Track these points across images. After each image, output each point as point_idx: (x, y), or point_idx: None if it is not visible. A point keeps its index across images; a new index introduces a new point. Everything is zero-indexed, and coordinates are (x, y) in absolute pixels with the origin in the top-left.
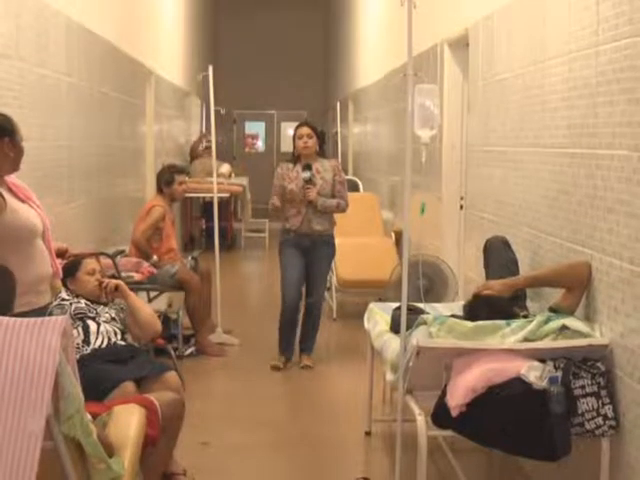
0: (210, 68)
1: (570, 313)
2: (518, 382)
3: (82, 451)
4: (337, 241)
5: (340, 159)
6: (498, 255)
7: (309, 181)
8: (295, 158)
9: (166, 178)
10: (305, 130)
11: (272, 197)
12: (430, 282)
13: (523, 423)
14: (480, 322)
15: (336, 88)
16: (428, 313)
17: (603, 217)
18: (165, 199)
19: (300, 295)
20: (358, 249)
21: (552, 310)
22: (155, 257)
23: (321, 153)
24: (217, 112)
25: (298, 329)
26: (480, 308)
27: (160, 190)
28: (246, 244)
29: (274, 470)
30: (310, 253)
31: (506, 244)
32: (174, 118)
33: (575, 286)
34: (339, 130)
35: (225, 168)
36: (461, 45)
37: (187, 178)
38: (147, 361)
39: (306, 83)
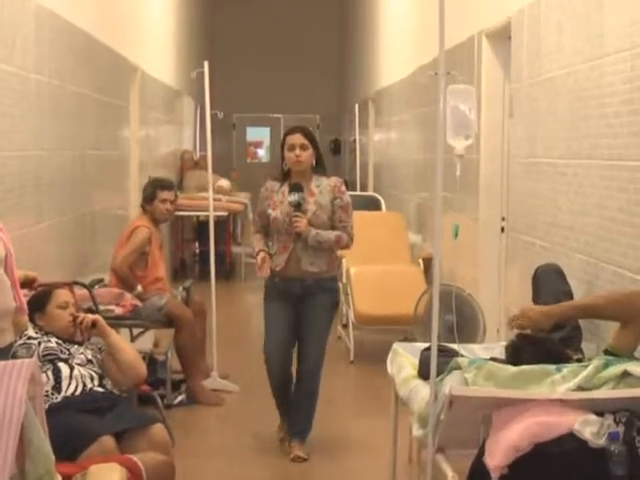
0: (205, 64)
1: (629, 354)
2: (571, 439)
3: None
4: (354, 269)
5: (359, 172)
6: (549, 286)
7: (297, 206)
8: (284, 175)
9: (148, 193)
10: (298, 139)
11: (253, 232)
12: (462, 319)
13: None
14: (525, 367)
15: (354, 88)
16: (463, 356)
17: None
18: (150, 219)
19: (290, 359)
20: (379, 279)
21: (607, 353)
22: (140, 287)
23: (319, 169)
24: (214, 116)
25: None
26: (525, 350)
27: (144, 209)
28: (247, 272)
29: None
30: (301, 303)
31: (559, 273)
32: (163, 122)
33: (634, 320)
34: (357, 137)
35: (224, 183)
36: (502, 37)
37: (177, 194)
38: (129, 411)
39: (318, 82)
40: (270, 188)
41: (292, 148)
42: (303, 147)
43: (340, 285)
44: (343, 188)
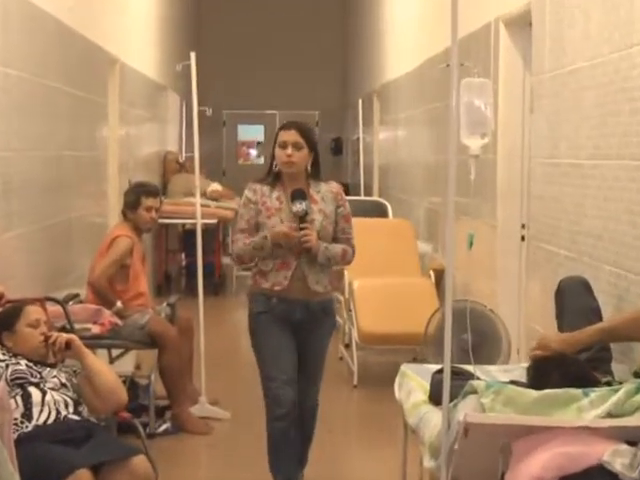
0: (192, 56)
1: None
2: (600, 471)
3: None
4: (357, 283)
5: (362, 174)
6: (575, 302)
7: (304, 217)
8: (273, 177)
9: (131, 200)
10: (291, 135)
11: (235, 241)
12: (479, 338)
13: None
14: (548, 391)
15: (357, 81)
16: (479, 378)
17: None
18: (132, 228)
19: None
20: (385, 293)
21: (638, 375)
22: (119, 303)
23: (315, 174)
24: (201, 113)
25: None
26: (548, 372)
27: (125, 215)
28: (239, 286)
29: None
30: (304, 330)
31: (586, 287)
32: (146, 120)
33: None
34: (361, 136)
35: (216, 186)
36: (522, 24)
37: (163, 200)
38: (108, 442)
39: (318, 75)
40: (259, 191)
41: (284, 146)
42: (297, 146)
43: (342, 300)
44: (344, 195)
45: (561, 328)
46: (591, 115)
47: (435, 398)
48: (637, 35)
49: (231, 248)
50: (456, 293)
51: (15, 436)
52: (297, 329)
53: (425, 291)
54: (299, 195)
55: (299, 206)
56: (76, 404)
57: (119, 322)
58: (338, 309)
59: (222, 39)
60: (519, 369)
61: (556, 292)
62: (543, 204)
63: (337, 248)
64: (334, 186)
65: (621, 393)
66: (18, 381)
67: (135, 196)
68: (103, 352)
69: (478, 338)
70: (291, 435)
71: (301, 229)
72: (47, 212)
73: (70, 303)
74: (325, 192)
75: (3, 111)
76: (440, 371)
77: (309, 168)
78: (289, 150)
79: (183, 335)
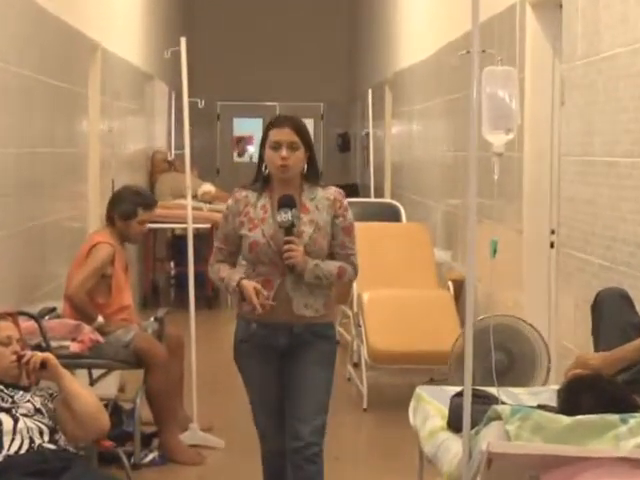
0: (183, 41)
1: None
2: None
3: None
4: (367, 295)
5: (372, 173)
6: (614, 317)
7: (289, 228)
8: (262, 182)
9: (126, 209)
10: (285, 134)
11: (213, 257)
12: (509, 357)
13: None
14: (582, 417)
15: (367, 70)
16: (504, 403)
17: None
18: (115, 234)
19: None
20: (398, 306)
21: None
22: (101, 318)
23: (312, 177)
24: (193, 104)
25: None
26: (582, 395)
27: (111, 221)
28: (234, 298)
29: None
30: (290, 358)
31: (625, 300)
32: (131, 113)
33: None
34: (371, 131)
35: (208, 188)
36: (551, 6)
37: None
38: (87, 473)
39: (323, 62)
40: (243, 201)
41: (276, 146)
42: (292, 146)
43: (350, 314)
44: (345, 202)
45: (597, 346)
46: (629, 107)
47: (455, 424)
48: None
49: (210, 262)
50: (477, 306)
51: None
52: (283, 357)
53: (443, 304)
54: (286, 203)
55: (284, 216)
56: (52, 432)
57: (101, 339)
58: (345, 325)
59: (216, 22)
60: (548, 392)
61: (592, 305)
62: (575, 207)
63: (331, 266)
64: (332, 192)
65: None
66: None
67: (132, 206)
68: (83, 373)
69: (509, 357)
70: (288, 473)
71: (285, 243)
72: (19, 216)
73: (46, 318)
74: (320, 199)
75: None
76: (460, 394)
77: (304, 170)
78: (283, 152)
79: (172, 354)
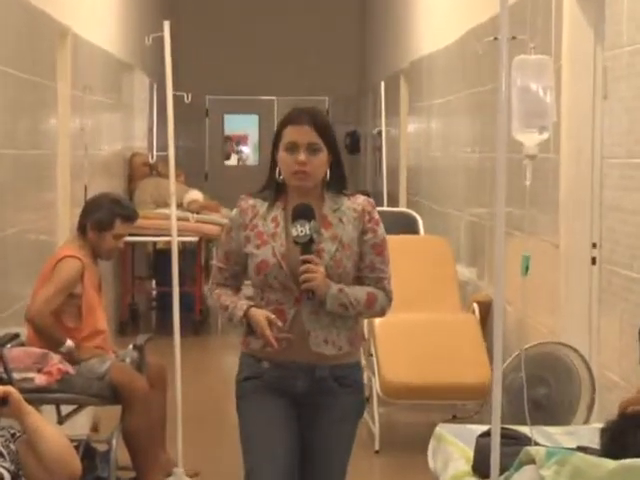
0: (166, 25)
1: None
2: None
3: None
4: (380, 319)
5: (385, 178)
6: None
7: (307, 246)
8: (275, 189)
9: (102, 219)
10: (305, 133)
11: (212, 279)
12: (548, 390)
13: None
14: (629, 461)
15: (379, 59)
16: (538, 443)
17: None
18: (86, 248)
19: None
20: (415, 332)
21: None
22: (69, 342)
23: (336, 184)
24: (178, 99)
25: None
26: (630, 435)
27: (83, 231)
28: (225, 323)
29: None
30: (310, 409)
31: None
32: (106, 108)
33: None
34: (384, 129)
35: (195, 195)
36: None
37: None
38: None
39: (329, 51)
40: (251, 211)
41: (293, 148)
42: (313, 148)
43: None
44: (376, 215)
45: None
46: None
47: (481, 469)
48: None
49: (207, 285)
50: (507, 333)
51: None
52: (300, 405)
53: (467, 330)
54: (303, 214)
55: (300, 229)
56: (14, 477)
57: (71, 370)
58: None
59: (204, 5)
60: (589, 431)
61: None
62: (620, 217)
63: (359, 291)
64: (361, 202)
65: None
66: None
67: (109, 216)
68: (50, 409)
69: (548, 390)
70: None
71: (302, 263)
72: None
73: (7, 346)
74: (346, 210)
75: None
76: (487, 433)
77: (327, 176)
78: (302, 155)
79: (154, 387)
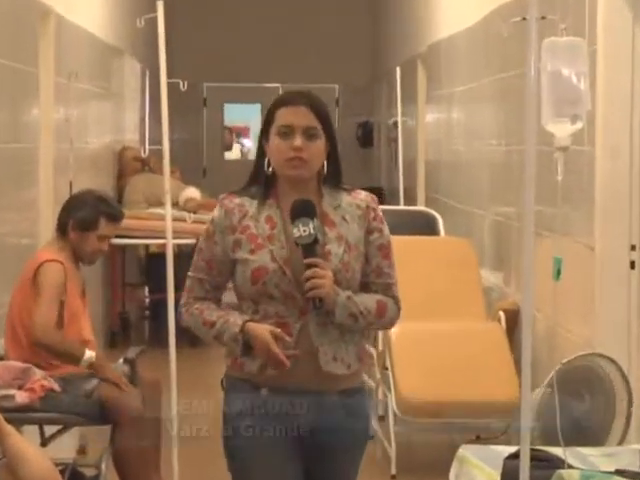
0: (160, 6)
1: None
2: None
3: None
4: (396, 328)
5: (402, 174)
6: None
7: (312, 247)
8: (265, 183)
9: (85, 217)
10: (301, 115)
11: (186, 294)
12: (583, 406)
13: None
14: None
15: (395, 43)
16: (572, 467)
17: None
18: (67, 250)
19: None
20: (435, 343)
21: None
22: (89, 353)
23: (333, 176)
24: (173, 86)
25: None
26: None
27: (63, 231)
28: (210, 341)
29: None
30: (316, 447)
31: None
32: (94, 97)
33: None
34: (400, 120)
35: (192, 193)
36: None
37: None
38: None
39: (338, 34)
40: (238, 211)
41: (287, 132)
42: (310, 133)
43: (374, 354)
44: (380, 212)
45: None
46: None
47: None
48: None
49: (181, 302)
50: (537, 343)
51: None
52: (305, 443)
53: (492, 340)
54: (303, 211)
55: (303, 229)
56: None
57: (55, 387)
58: (373, 374)
59: None
60: (628, 452)
61: None
62: None
63: (368, 300)
64: (363, 198)
65: None
66: None
67: (93, 214)
68: (33, 430)
69: (589, 407)
70: None
71: (307, 267)
72: None
73: None
74: (348, 207)
75: None
76: (516, 455)
77: (324, 168)
78: (297, 140)
79: (147, 404)
